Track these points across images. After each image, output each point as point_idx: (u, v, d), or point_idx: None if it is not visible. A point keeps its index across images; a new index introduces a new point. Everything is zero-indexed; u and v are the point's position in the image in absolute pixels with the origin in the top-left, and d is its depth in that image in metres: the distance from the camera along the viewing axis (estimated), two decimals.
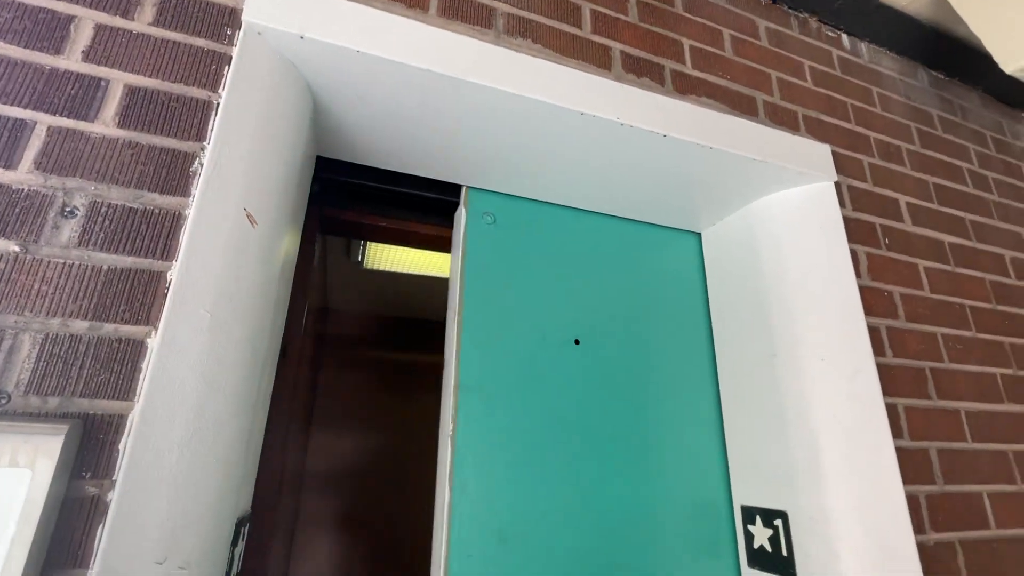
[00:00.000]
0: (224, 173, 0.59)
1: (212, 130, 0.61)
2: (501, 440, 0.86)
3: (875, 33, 1.22)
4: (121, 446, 0.48)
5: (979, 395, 0.98)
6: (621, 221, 1.11)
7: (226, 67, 0.64)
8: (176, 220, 0.57)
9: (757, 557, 0.88)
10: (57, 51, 0.58)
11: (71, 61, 0.58)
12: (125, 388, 0.50)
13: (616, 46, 0.89)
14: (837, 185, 0.99)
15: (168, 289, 0.54)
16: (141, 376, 0.51)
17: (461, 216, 0.98)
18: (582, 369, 0.96)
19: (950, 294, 1.05)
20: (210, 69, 0.64)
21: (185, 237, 0.55)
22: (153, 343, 0.52)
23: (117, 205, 0.55)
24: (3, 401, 0.46)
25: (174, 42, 0.63)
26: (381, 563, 2.41)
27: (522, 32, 0.82)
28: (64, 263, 0.52)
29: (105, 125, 0.57)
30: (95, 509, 0.47)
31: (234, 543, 0.57)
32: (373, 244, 2.01)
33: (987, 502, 0.89)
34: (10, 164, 0.53)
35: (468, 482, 0.82)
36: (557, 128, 0.81)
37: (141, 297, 0.53)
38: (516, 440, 0.87)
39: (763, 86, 1.01)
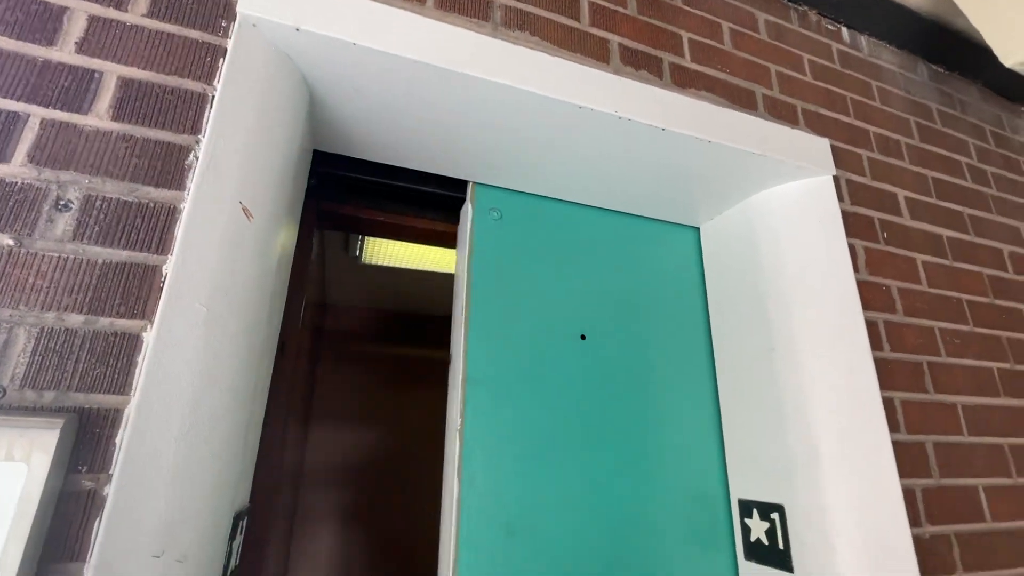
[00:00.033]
0: (219, 166, 0.58)
1: (207, 123, 0.60)
2: (509, 434, 0.86)
3: (875, 26, 1.22)
4: (117, 440, 0.48)
5: (976, 389, 0.98)
6: (621, 216, 1.11)
7: (221, 59, 0.64)
8: (171, 213, 0.56)
9: (754, 550, 0.88)
10: (50, 43, 0.57)
11: (64, 53, 0.57)
12: (121, 382, 0.50)
13: (614, 39, 0.88)
14: (836, 179, 0.99)
15: (164, 283, 0.53)
16: (137, 370, 0.51)
17: (467, 212, 0.98)
18: (587, 363, 0.96)
19: (948, 288, 1.05)
20: (205, 61, 0.63)
21: (180, 231, 0.55)
22: (149, 337, 0.52)
23: (112, 198, 0.55)
24: None
25: (168, 34, 0.63)
26: (379, 556, 2.42)
27: (520, 24, 0.81)
28: (59, 257, 0.52)
29: (99, 118, 0.57)
30: (92, 503, 0.46)
31: (232, 537, 0.57)
32: (371, 239, 2.01)
33: (983, 495, 0.90)
34: (3, 157, 0.52)
35: (476, 475, 0.82)
36: (554, 122, 0.81)
37: (136, 291, 0.53)
38: (524, 434, 0.87)
39: (762, 79, 1.00)
